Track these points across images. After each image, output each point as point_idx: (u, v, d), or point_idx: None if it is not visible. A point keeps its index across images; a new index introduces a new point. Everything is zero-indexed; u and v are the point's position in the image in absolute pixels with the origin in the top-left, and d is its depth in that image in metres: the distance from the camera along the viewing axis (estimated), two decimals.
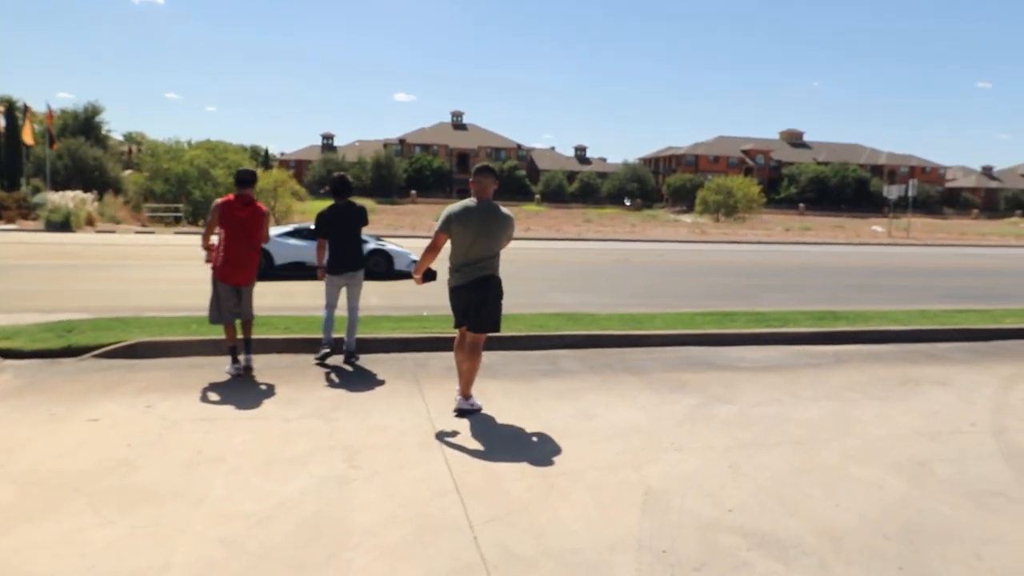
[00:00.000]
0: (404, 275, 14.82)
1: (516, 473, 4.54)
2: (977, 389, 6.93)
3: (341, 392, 6.28)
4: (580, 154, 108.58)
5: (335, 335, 7.43)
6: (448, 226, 5.61)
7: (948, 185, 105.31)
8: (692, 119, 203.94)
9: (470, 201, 5.69)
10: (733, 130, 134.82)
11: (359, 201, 7.64)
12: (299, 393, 6.19)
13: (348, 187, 7.29)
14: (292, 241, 15.32)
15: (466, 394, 5.86)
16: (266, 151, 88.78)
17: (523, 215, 54.26)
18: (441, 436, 5.19)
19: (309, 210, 35.76)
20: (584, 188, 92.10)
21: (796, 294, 14.27)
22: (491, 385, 6.55)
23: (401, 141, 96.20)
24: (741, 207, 59.95)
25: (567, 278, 16.49)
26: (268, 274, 13.81)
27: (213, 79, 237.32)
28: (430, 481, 4.38)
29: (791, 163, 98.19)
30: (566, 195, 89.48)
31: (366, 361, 7.40)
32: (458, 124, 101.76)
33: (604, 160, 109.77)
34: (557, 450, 4.96)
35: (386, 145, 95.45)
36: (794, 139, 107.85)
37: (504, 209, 5.80)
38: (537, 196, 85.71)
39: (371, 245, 15.04)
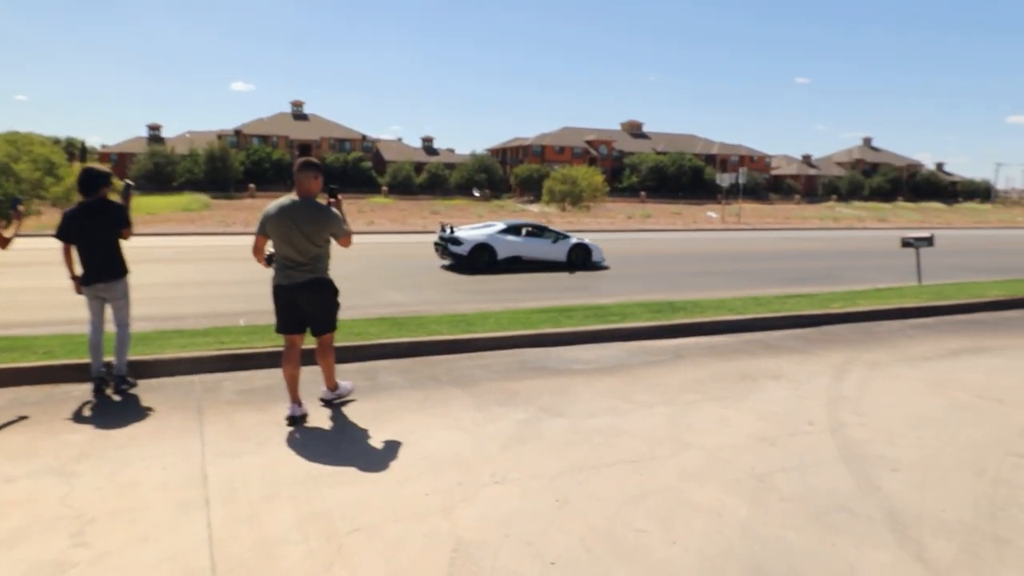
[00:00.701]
0: (600, 267, 17.48)
1: (297, 535, 3.64)
2: (811, 381, 6.73)
3: (96, 434, 5.09)
4: (428, 145, 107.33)
5: (106, 358, 6.19)
6: (263, 227, 5.39)
7: (773, 173, 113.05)
8: (538, 110, 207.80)
9: (286, 199, 5.36)
10: (577, 121, 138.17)
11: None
12: (38, 439, 4.95)
13: (97, 181, 6.01)
14: (510, 237, 16.99)
15: (332, 385, 5.84)
16: (83, 144, 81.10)
17: (368, 208, 52.61)
18: (212, 489, 4.19)
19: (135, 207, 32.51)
20: (432, 179, 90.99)
21: (637, 283, 14.13)
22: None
23: (237, 132, 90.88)
24: (586, 196, 61.07)
25: (408, 274, 15.57)
26: (493, 267, 16.40)
27: (23, 66, 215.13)
28: (178, 559, 3.39)
29: (632, 153, 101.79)
30: (414, 187, 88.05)
31: (144, 388, 6.20)
32: (299, 114, 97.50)
33: (452, 151, 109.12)
34: (355, 497, 4.10)
35: (221, 136, 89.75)
36: (634, 130, 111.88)
37: (324, 206, 5.37)
38: (384, 188, 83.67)
39: (572, 240, 17.66)
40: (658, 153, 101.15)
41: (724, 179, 48.20)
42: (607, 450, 4.86)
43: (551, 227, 19.06)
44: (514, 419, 5.49)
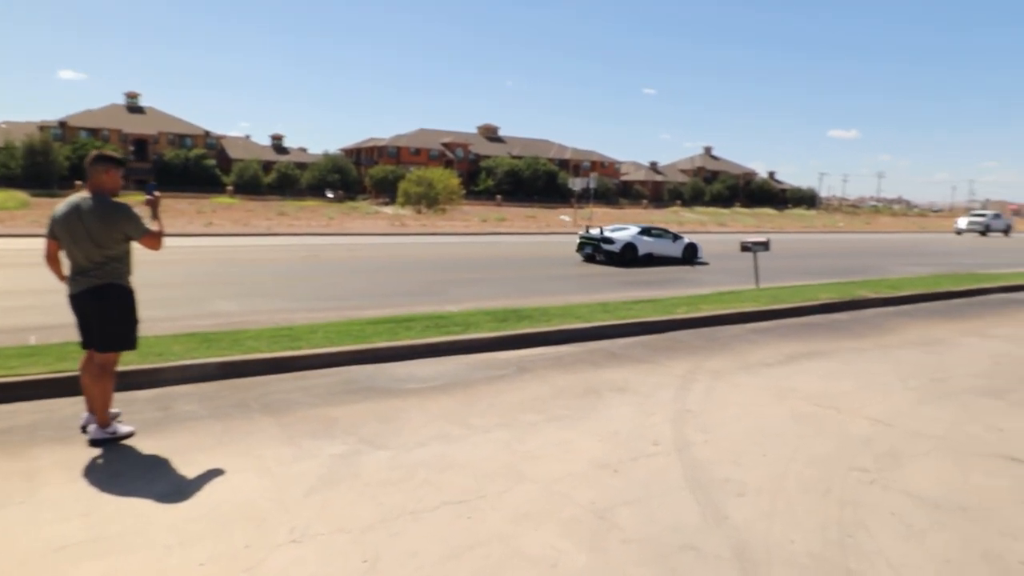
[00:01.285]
0: (702, 263, 20.86)
1: None
2: (656, 393, 6.42)
3: None
4: (277, 143, 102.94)
5: None
6: (51, 230, 4.89)
7: (623, 178, 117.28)
8: (394, 111, 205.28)
9: (76, 197, 4.82)
10: (434, 123, 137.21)
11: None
12: None
13: None
14: (646, 238, 20.41)
15: (103, 422, 4.88)
16: None
17: (210, 208, 49.41)
18: None
19: None
20: (282, 179, 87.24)
21: (488, 287, 13.65)
22: (49, 457, 4.57)
23: (63, 124, 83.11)
24: (442, 199, 60.49)
25: (240, 280, 14.29)
26: (634, 263, 19.54)
27: None
28: None
29: (488, 156, 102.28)
30: (262, 187, 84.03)
31: None
32: (134, 107, 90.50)
33: (304, 150, 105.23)
34: (103, 575, 3.24)
35: (43, 128, 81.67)
36: (490, 134, 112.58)
37: (118, 203, 4.75)
38: (229, 188, 79.23)
39: (685, 240, 21.10)
40: (513, 157, 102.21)
41: (576, 184, 49.08)
42: (431, 490, 4.23)
43: (670, 229, 22.88)
44: (328, 454, 4.74)
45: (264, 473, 4.42)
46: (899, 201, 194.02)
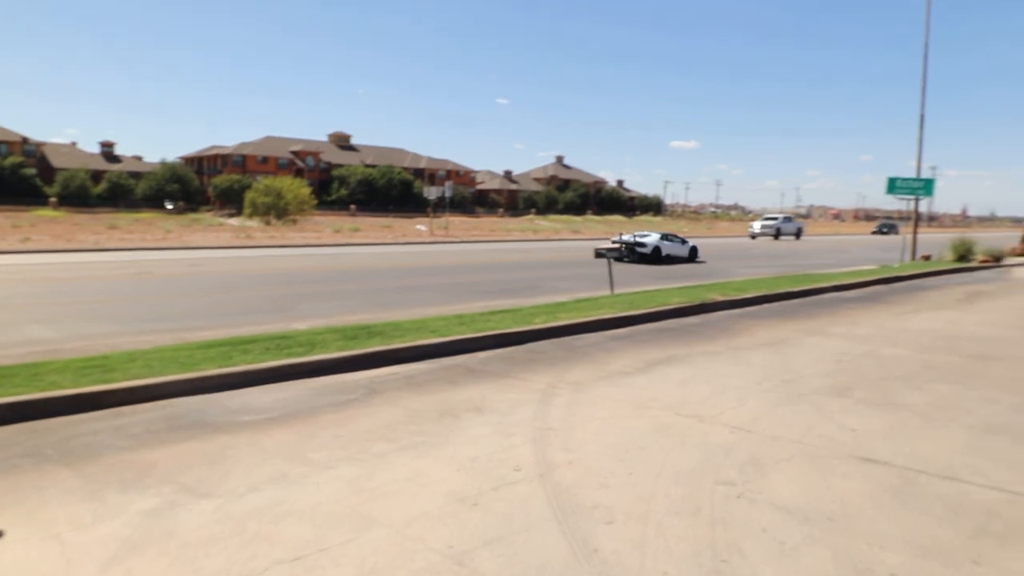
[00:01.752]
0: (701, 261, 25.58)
1: None
2: (516, 411, 6.07)
3: None
4: (108, 151, 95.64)
5: None
6: None
7: (478, 187, 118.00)
8: (238, 118, 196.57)
9: None
10: (282, 130, 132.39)
11: None
12: None
13: None
14: (665, 242, 24.57)
15: None
16: None
17: (28, 222, 44.84)
18: None
19: None
20: (114, 190, 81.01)
21: (340, 301, 12.91)
22: None
23: None
24: (292, 209, 58.20)
25: (60, 302, 12.73)
26: (659, 260, 23.60)
27: None
28: None
29: (341, 165, 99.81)
30: (91, 198, 77.61)
31: None
32: None
33: (139, 159, 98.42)
34: None
35: None
36: (342, 142, 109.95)
37: None
38: (53, 199, 72.54)
39: (690, 243, 26.32)
40: (367, 166, 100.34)
41: (431, 192, 48.68)
42: (263, 546, 3.63)
43: (678, 235, 28.25)
44: (137, 510, 4.02)
45: (51, 542, 3.64)
46: (736, 207, 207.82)
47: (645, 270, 20.46)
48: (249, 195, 60.18)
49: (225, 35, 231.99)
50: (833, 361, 8.39)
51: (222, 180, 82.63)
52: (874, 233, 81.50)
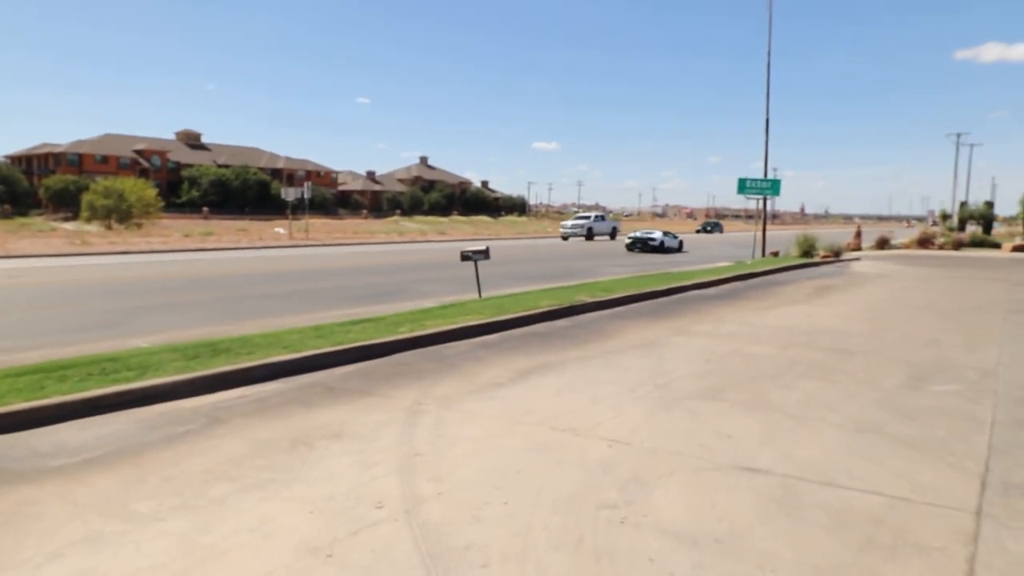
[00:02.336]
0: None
1: None
2: (379, 435, 5.51)
3: None
4: None
5: None
6: None
7: (340, 188, 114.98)
8: (72, 114, 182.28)
9: None
10: (124, 128, 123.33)
11: None
12: None
13: None
14: (666, 238, 36.01)
15: None
16: None
17: None
18: None
19: None
20: None
21: (186, 314, 11.76)
22: None
23: None
24: (136, 212, 54.17)
25: None
26: (660, 250, 34.56)
27: None
28: None
29: (191, 165, 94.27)
30: None
31: None
32: None
33: None
34: None
35: None
36: (192, 140, 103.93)
37: None
38: None
39: (679, 238, 37.97)
40: (220, 166, 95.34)
41: (289, 193, 46.77)
42: None
43: (671, 232, 39.85)
44: None
45: None
46: (597, 207, 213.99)
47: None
48: (87, 197, 55.51)
49: (56, 27, 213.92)
50: (703, 361, 8.36)
51: (55, 181, 75.78)
52: (699, 232, 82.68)
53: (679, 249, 36.20)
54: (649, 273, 19.39)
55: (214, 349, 7.84)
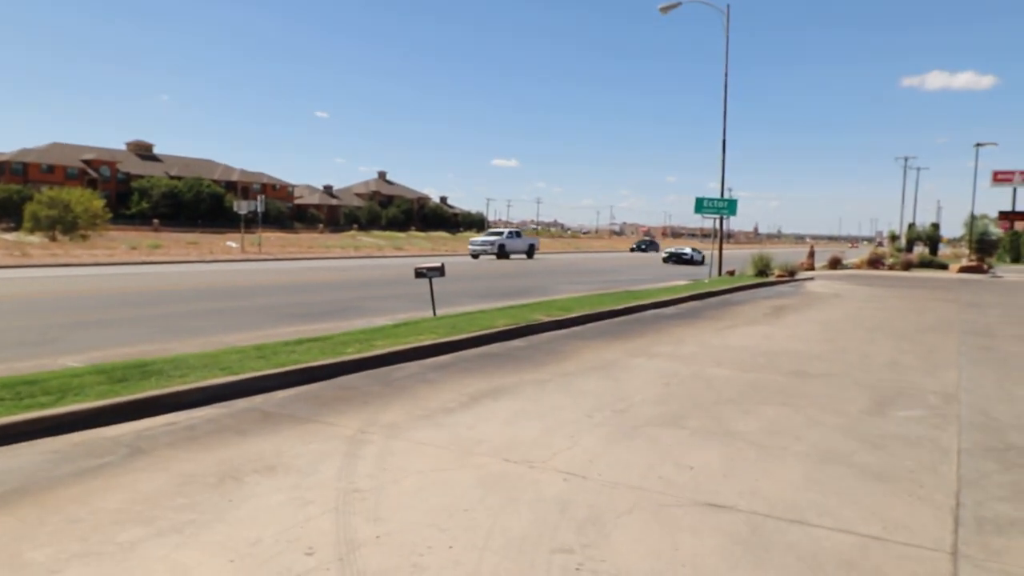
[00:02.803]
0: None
1: None
2: (317, 469, 5.08)
3: None
4: None
5: None
6: None
7: (297, 202, 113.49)
8: (16, 122, 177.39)
9: None
10: (72, 137, 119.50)
11: None
12: None
13: None
14: (695, 253, 46.82)
15: None
16: None
17: None
18: None
19: None
20: None
21: (122, 330, 11.12)
22: None
23: None
24: (83, 224, 52.54)
25: None
26: (690, 262, 45.10)
27: None
28: None
29: (142, 176, 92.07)
30: None
31: None
32: None
33: None
34: None
35: None
36: (143, 151, 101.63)
37: None
38: None
39: (703, 252, 44.52)
40: (172, 178, 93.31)
41: (242, 206, 45.81)
42: None
43: (699, 248, 50.05)
44: None
45: None
46: (555, 224, 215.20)
47: (465, 287, 19.99)
48: (30, 207, 53.73)
49: (5, 35, 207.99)
50: (662, 384, 8.08)
51: None
52: (632, 250, 78.88)
53: (702, 262, 41.51)
54: (607, 291, 19.17)
55: (144, 371, 7.30)
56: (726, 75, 28.80)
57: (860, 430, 6.42)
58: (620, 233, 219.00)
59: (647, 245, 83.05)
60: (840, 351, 10.73)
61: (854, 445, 5.96)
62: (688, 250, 47.64)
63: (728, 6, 28.21)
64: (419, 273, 13.56)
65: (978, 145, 56.43)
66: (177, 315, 13.70)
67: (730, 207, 27.66)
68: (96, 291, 18.65)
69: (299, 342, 9.37)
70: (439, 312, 12.95)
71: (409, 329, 10.69)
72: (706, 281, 24.45)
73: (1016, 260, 51.03)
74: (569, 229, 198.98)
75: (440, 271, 13.75)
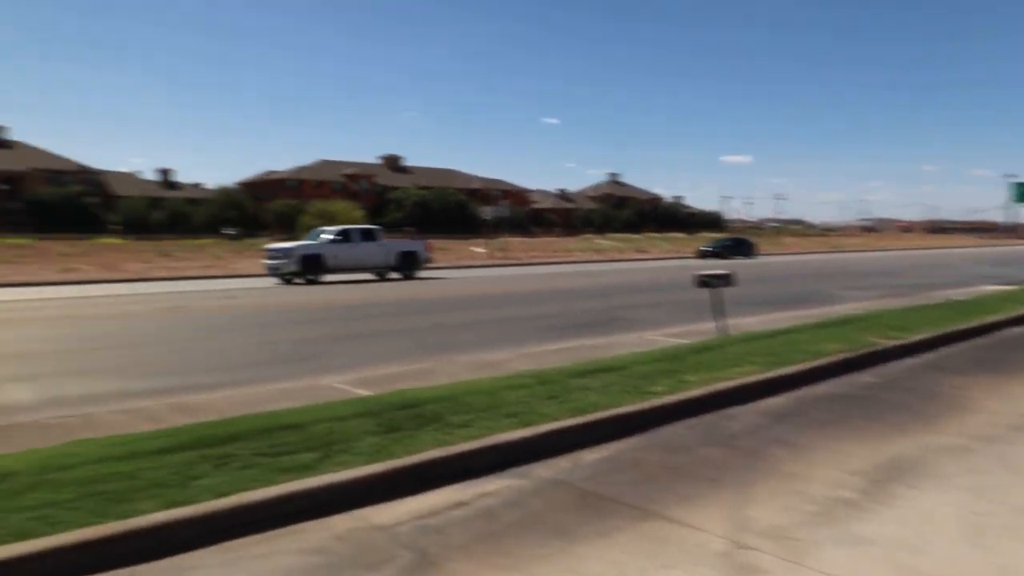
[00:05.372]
0: None
1: None
2: None
3: None
4: (167, 178, 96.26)
5: None
6: None
7: (533, 206, 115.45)
8: (290, 143, 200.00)
9: None
10: (335, 154, 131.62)
11: None
12: None
13: None
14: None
15: None
16: None
17: (80, 250, 43.58)
18: None
19: None
20: (173, 217, 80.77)
21: (372, 344, 10.15)
22: None
23: None
24: None
25: (65, 347, 10.28)
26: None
27: None
28: None
29: (394, 187, 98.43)
30: (150, 225, 77.44)
31: None
32: (1, 140, 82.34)
33: (199, 186, 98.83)
34: None
35: None
36: (394, 164, 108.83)
37: None
38: (115, 227, 72.50)
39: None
40: (420, 188, 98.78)
41: (487, 212, 46.32)
42: None
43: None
44: None
45: None
46: (798, 222, 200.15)
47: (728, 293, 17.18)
48: (303, 219, 58.86)
49: (275, 62, 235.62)
50: None
51: (279, 205, 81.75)
52: (703, 254, 48.03)
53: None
54: (920, 304, 15.22)
55: (417, 413, 5.82)
56: None
57: None
58: (873, 229, 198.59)
59: (729, 247, 50.27)
60: None
61: None
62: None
63: None
64: (703, 282, 11.34)
65: None
66: (434, 327, 12.69)
67: None
68: (356, 301, 18.59)
69: (585, 370, 7.56)
70: (712, 323, 10.62)
71: (714, 356, 8.49)
72: None
73: None
74: (814, 226, 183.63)
75: (727, 280, 11.43)
